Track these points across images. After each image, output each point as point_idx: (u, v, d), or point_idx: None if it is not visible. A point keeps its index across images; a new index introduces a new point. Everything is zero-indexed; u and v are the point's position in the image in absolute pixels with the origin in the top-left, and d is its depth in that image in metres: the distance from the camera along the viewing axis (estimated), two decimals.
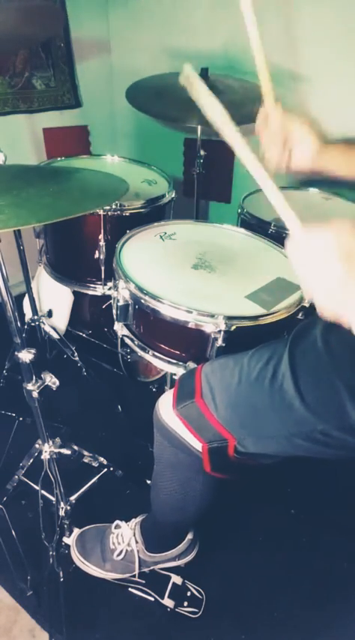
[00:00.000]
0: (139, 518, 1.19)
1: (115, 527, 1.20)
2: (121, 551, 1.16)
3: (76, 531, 1.22)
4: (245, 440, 0.80)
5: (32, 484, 1.30)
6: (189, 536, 1.19)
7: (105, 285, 1.46)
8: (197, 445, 0.84)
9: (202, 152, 1.78)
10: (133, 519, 1.20)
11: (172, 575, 1.20)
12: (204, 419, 0.81)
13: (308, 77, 1.64)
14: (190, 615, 1.14)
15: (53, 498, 1.18)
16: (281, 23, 1.58)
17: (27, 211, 0.70)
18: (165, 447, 0.92)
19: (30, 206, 0.72)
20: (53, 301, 1.75)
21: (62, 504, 1.17)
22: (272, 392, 0.75)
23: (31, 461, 1.32)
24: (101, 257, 1.40)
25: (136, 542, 1.16)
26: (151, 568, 1.20)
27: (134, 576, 1.18)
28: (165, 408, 0.88)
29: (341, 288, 0.53)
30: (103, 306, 1.74)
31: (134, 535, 1.16)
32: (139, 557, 1.16)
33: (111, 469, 1.39)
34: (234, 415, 0.80)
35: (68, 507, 1.18)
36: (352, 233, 0.54)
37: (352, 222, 0.54)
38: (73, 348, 1.68)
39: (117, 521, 1.20)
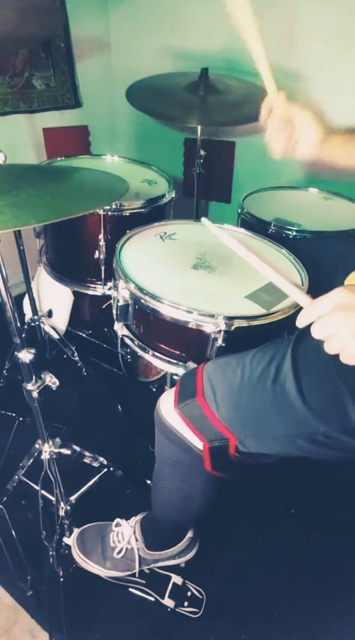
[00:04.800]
0: (139, 516, 1.19)
1: (116, 526, 1.20)
2: (121, 549, 1.16)
3: (77, 530, 1.22)
4: (246, 440, 0.80)
5: (32, 484, 1.30)
6: (189, 534, 1.19)
7: (105, 285, 1.46)
8: (198, 444, 0.84)
9: (202, 152, 1.78)
10: (133, 517, 1.20)
11: (173, 575, 1.20)
12: (206, 418, 0.81)
13: (307, 77, 1.64)
14: (190, 615, 1.14)
15: (53, 498, 1.18)
16: (281, 22, 1.58)
17: (26, 212, 0.70)
18: (166, 446, 0.92)
19: (29, 206, 0.72)
20: (53, 301, 1.75)
21: (62, 504, 1.17)
22: (274, 393, 0.75)
23: (31, 461, 1.32)
24: (101, 257, 1.40)
25: (136, 540, 1.16)
26: (151, 566, 1.20)
27: (134, 575, 1.18)
28: (167, 406, 0.88)
29: None
30: (103, 306, 1.75)
31: (134, 533, 1.17)
32: (139, 555, 1.16)
33: (111, 469, 1.39)
34: (236, 415, 0.80)
35: (68, 507, 1.18)
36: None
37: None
38: (73, 348, 1.68)
39: (117, 519, 1.21)
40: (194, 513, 1.06)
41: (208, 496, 1.00)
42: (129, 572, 1.18)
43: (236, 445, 0.81)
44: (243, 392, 0.80)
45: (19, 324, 0.93)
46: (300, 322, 0.63)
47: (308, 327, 0.80)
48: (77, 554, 1.18)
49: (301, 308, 1.01)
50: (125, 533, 1.17)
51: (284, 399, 0.74)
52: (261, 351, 0.82)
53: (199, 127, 1.70)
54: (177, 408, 0.85)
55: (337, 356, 0.71)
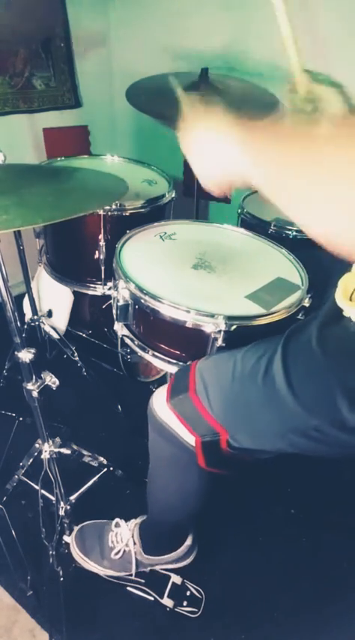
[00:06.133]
0: (139, 520, 1.19)
1: (115, 526, 1.20)
2: (119, 551, 1.16)
3: (76, 528, 1.22)
4: (237, 435, 0.80)
5: (32, 484, 1.30)
6: (188, 542, 1.19)
7: (105, 285, 1.46)
8: (190, 439, 0.84)
9: None
10: (133, 520, 1.20)
11: (172, 574, 1.20)
12: (197, 413, 0.82)
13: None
14: (190, 615, 1.14)
15: (53, 498, 1.18)
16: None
17: (31, 211, 0.70)
18: (160, 443, 0.92)
19: (34, 206, 0.72)
20: (53, 301, 1.75)
21: (62, 504, 1.17)
22: (265, 388, 0.75)
23: (31, 460, 1.32)
24: (101, 257, 1.39)
25: (134, 543, 1.16)
26: (149, 569, 1.20)
27: (131, 576, 1.18)
28: (159, 402, 0.89)
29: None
30: (103, 306, 1.75)
31: (132, 536, 1.17)
32: (136, 559, 1.16)
33: (111, 469, 1.39)
34: (227, 410, 0.80)
35: (68, 507, 1.18)
36: None
37: None
38: (73, 348, 1.68)
39: (116, 520, 1.21)
40: (189, 511, 1.06)
41: (203, 493, 0.99)
42: (127, 573, 1.18)
43: (227, 440, 0.80)
44: (234, 387, 0.80)
45: (19, 324, 0.93)
46: None
47: (298, 327, 0.80)
48: (76, 552, 1.19)
49: (302, 308, 1.01)
50: (123, 536, 1.17)
51: (274, 394, 0.74)
52: (252, 348, 0.82)
53: None
54: (170, 402, 0.85)
55: (326, 351, 0.71)
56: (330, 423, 0.71)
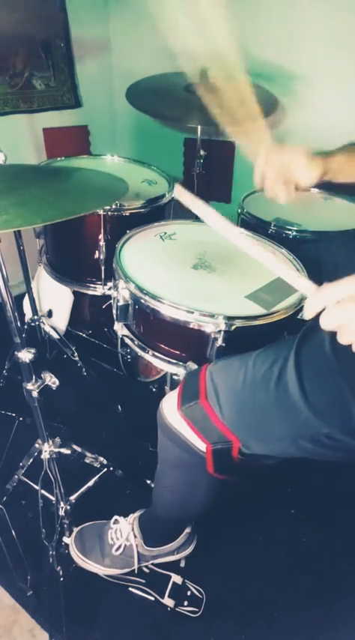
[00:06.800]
0: (137, 513, 1.19)
1: (114, 523, 1.20)
2: (120, 546, 1.16)
3: (75, 529, 1.22)
4: (249, 442, 0.80)
5: (32, 484, 1.31)
6: (187, 529, 1.20)
7: (105, 285, 1.46)
8: (201, 446, 0.84)
9: (202, 152, 1.78)
10: (131, 514, 1.20)
11: (172, 574, 1.20)
12: (209, 420, 0.81)
13: (307, 76, 1.64)
14: (190, 615, 1.14)
15: (53, 498, 1.18)
16: (280, 21, 1.58)
17: (31, 211, 0.70)
18: (169, 447, 0.92)
19: (33, 206, 0.72)
20: (53, 301, 1.75)
21: (62, 504, 1.17)
22: (277, 394, 0.75)
23: (31, 461, 1.32)
24: (101, 257, 1.39)
25: (135, 536, 1.16)
26: (150, 563, 1.20)
27: (133, 572, 1.18)
28: (170, 408, 0.88)
29: None
30: (103, 306, 1.75)
31: (132, 530, 1.17)
32: (138, 552, 1.16)
33: (111, 469, 1.39)
34: (239, 417, 0.80)
35: (68, 507, 1.18)
36: None
37: None
38: (73, 348, 1.68)
39: (115, 517, 1.21)
40: (195, 512, 1.07)
41: (210, 496, 1.00)
42: (128, 570, 1.18)
43: (239, 447, 0.80)
44: (246, 394, 0.79)
45: (19, 324, 0.93)
46: (308, 313, 0.58)
47: (311, 328, 0.80)
48: (75, 554, 1.18)
49: (302, 308, 1.01)
50: (123, 530, 1.17)
51: (287, 401, 0.73)
52: (263, 353, 0.81)
53: (199, 127, 1.70)
54: (180, 409, 0.85)
55: (340, 357, 0.71)
56: (341, 430, 0.71)
